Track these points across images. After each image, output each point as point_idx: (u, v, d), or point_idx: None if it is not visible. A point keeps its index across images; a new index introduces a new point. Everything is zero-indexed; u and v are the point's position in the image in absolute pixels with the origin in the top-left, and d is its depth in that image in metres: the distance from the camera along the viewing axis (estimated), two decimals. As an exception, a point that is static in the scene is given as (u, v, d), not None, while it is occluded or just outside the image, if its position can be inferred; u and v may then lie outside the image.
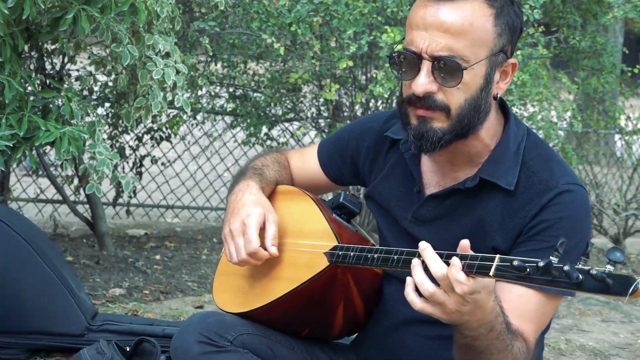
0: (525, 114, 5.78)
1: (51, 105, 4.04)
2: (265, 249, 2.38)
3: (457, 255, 1.95)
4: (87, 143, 4.02)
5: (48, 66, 4.73)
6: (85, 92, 5.11)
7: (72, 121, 4.01)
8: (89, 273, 5.03)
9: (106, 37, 3.95)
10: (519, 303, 2.18)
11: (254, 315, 2.41)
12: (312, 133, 6.94)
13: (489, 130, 2.30)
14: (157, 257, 5.59)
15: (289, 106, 6.31)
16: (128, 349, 3.29)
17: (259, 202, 2.46)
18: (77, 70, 5.10)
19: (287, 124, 6.74)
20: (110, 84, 5.20)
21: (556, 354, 4.39)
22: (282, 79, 5.80)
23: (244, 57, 5.93)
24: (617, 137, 7.96)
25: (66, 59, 4.74)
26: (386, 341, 2.44)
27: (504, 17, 2.21)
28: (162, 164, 6.81)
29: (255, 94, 6.22)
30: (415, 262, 1.99)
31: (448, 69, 2.16)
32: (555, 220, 2.20)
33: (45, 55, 4.58)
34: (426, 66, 2.17)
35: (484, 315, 2.00)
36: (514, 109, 5.57)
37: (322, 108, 6.44)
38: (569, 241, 1.85)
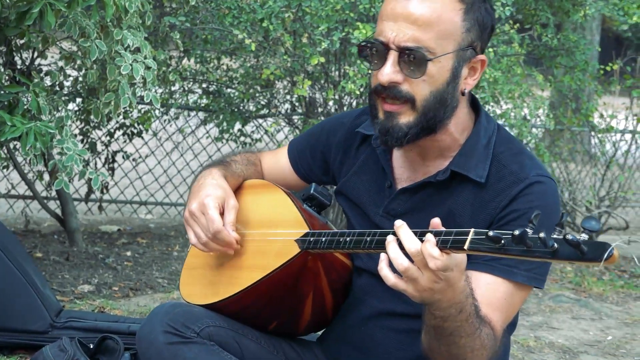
0: (498, 111, 5.78)
1: (19, 101, 4.00)
2: None
3: (431, 231, 1.96)
4: (55, 138, 3.99)
5: (18, 61, 4.69)
6: (57, 87, 5.07)
7: (41, 116, 3.98)
8: (58, 269, 4.99)
9: (74, 32, 3.93)
10: (488, 291, 2.20)
11: (223, 307, 2.39)
12: (286, 129, 6.93)
13: (459, 126, 2.32)
14: (128, 253, 5.56)
15: (262, 102, 6.29)
16: (92, 346, 3.26)
17: (220, 186, 2.46)
18: (49, 65, 5.06)
19: (260, 120, 6.71)
20: (81, 79, 5.16)
21: (525, 351, 4.40)
22: (255, 75, 5.78)
23: (217, 53, 5.90)
24: (592, 134, 7.98)
25: (36, 54, 4.70)
26: (354, 335, 2.44)
27: (474, 13, 2.24)
28: (134, 159, 6.77)
29: (228, 90, 6.20)
30: (390, 238, 2.01)
31: (414, 59, 2.19)
32: (525, 210, 2.22)
33: (15, 49, 4.54)
34: (392, 56, 2.21)
35: (455, 294, 2.02)
36: (487, 107, 5.57)
37: (296, 104, 6.42)
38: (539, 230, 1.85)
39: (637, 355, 4.56)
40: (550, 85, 6.21)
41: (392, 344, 2.38)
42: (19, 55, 4.67)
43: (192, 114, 7.04)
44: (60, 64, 4.73)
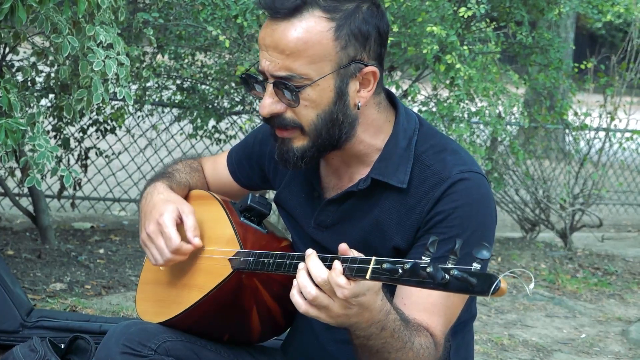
0: (473, 109, 5.78)
1: (-12, 97, 3.95)
2: (189, 242, 2.35)
3: (338, 258, 1.92)
4: (27, 135, 3.95)
5: (-11, 56, 4.64)
6: (29, 84, 5.02)
7: (12, 113, 3.93)
8: (30, 267, 4.94)
9: (45, 28, 3.88)
10: (421, 298, 2.15)
11: (173, 324, 2.38)
12: (261, 126, 6.89)
13: (370, 130, 2.27)
14: (101, 251, 5.52)
15: (237, 99, 6.26)
16: (63, 346, 3.23)
17: (169, 199, 2.42)
18: (20, 60, 5.01)
19: (235, 117, 6.68)
20: (53, 75, 5.11)
21: (499, 349, 4.40)
22: (229, 72, 5.75)
23: (191, 49, 5.87)
24: (566, 131, 8.01)
25: (7, 50, 4.65)
26: (310, 348, 2.42)
27: (348, 27, 2.15)
28: (107, 156, 6.73)
29: (202, 86, 6.16)
30: (301, 265, 1.98)
31: (289, 88, 2.14)
32: (450, 211, 2.17)
33: (-15, 45, 4.49)
34: (270, 87, 2.17)
35: (373, 315, 1.98)
36: (461, 105, 5.57)
37: (271, 101, 6.37)
38: (465, 231, 1.81)
39: (610, 353, 4.58)
40: (524, 83, 6.22)
41: (345, 356, 2.34)
42: (-11, 51, 4.62)
43: (166, 110, 6.99)
44: (33, 59, 4.68)
